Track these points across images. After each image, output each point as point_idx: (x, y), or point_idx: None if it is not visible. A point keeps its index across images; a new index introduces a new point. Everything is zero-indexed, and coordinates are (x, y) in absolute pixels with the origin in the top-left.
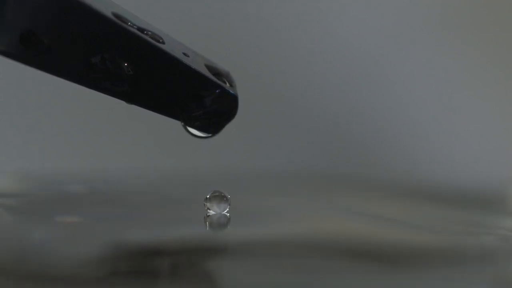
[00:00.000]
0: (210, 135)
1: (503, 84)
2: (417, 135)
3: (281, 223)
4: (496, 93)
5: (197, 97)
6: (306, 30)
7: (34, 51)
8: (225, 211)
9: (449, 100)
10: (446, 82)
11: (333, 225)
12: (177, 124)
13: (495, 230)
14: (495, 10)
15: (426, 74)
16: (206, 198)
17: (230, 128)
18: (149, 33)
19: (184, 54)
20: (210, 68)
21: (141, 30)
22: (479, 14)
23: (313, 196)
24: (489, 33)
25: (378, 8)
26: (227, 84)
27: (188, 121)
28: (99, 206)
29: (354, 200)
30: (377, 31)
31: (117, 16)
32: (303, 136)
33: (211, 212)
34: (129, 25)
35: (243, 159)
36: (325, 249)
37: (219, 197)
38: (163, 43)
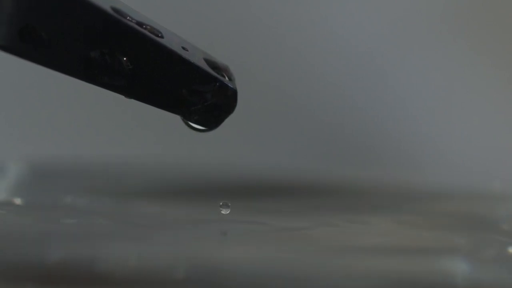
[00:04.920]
0: (209, 129)
1: (506, 86)
2: (420, 136)
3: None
4: (502, 96)
5: (196, 91)
6: (306, 30)
7: (33, 46)
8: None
9: (454, 101)
10: (448, 83)
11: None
12: (176, 118)
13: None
14: (497, 11)
15: (428, 75)
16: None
17: (230, 128)
18: (148, 27)
19: (183, 48)
20: (209, 62)
21: (140, 24)
22: (480, 15)
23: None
24: (491, 34)
25: (380, 9)
26: (226, 78)
27: (187, 116)
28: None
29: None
30: (379, 31)
31: (116, 10)
32: (302, 137)
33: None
34: (128, 19)
35: (242, 159)
36: None
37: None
38: (162, 37)
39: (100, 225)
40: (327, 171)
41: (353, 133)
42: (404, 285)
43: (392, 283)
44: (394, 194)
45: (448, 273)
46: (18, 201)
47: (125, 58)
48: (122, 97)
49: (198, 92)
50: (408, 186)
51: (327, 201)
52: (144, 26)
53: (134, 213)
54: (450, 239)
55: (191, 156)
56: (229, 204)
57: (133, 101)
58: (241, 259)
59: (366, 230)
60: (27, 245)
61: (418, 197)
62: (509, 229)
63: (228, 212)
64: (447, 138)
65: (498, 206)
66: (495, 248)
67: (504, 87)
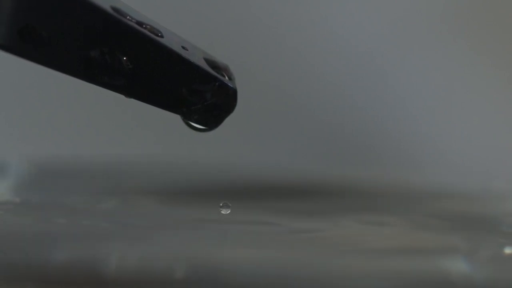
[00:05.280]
0: (209, 128)
1: (506, 86)
2: (420, 136)
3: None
4: (502, 96)
5: (196, 91)
6: (306, 30)
7: (33, 45)
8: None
9: (454, 101)
10: (448, 83)
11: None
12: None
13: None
14: (497, 11)
15: (428, 75)
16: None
17: (230, 128)
18: (148, 26)
19: (183, 47)
20: (209, 61)
21: (140, 23)
22: (480, 15)
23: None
24: (491, 34)
25: (380, 9)
26: (226, 78)
27: (187, 115)
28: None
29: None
30: (379, 31)
31: (116, 10)
32: (302, 137)
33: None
34: (128, 19)
35: (242, 159)
36: None
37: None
38: (162, 36)
39: (100, 225)
40: (327, 171)
41: (353, 133)
42: (404, 285)
43: (392, 283)
44: (394, 194)
45: (448, 273)
46: (18, 200)
47: (125, 58)
48: (122, 97)
49: (198, 92)
50: (408, 186)
51: (327, 201)
52: (144, 26)
53: (134, 213)
54: (450, 239)
55: (191, 156)
56: (229, 204)
57: (133, 101)
58: (241, 259)
59: (366, 230)
60: (27, 245)
61: (418, 197)
62: (509, 229)
63: (228, 212)
64: (447, 138)
65: (498, 206)
66: (495, 248)
67: (504, 87)
